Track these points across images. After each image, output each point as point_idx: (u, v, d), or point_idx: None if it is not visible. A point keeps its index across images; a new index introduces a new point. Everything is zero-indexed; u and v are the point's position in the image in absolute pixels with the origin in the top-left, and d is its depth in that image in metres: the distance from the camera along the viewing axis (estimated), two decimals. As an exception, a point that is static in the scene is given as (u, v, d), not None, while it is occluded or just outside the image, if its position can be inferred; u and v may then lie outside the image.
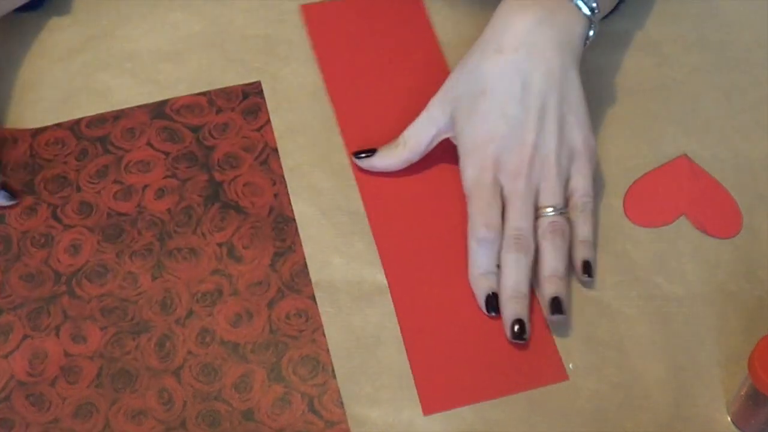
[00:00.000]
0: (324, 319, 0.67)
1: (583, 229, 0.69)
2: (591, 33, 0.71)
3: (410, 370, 0.65)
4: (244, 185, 0.72)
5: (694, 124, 0.77)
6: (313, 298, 0.68)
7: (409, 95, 0.75)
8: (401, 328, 0.67)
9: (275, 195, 0.71)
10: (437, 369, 0.65)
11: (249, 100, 0.76)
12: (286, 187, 0.72)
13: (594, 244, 0.70)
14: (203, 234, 0.70)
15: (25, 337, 0.66)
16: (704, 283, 0.69)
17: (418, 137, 0.71)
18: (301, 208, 0.72)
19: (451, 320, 0.67)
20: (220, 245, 0.69)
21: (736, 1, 0.84)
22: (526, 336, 0.66)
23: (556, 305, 0.66)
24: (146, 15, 0.83)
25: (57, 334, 0.66)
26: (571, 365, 0.66)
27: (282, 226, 0.70)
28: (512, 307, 0.66)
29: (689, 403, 0.65)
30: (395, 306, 0.68)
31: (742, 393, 0.61)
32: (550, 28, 0.69)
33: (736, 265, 0.70)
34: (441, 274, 0.69)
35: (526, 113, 0.68)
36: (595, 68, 0.79)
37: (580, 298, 0.68)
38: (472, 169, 0.69)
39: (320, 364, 0.65)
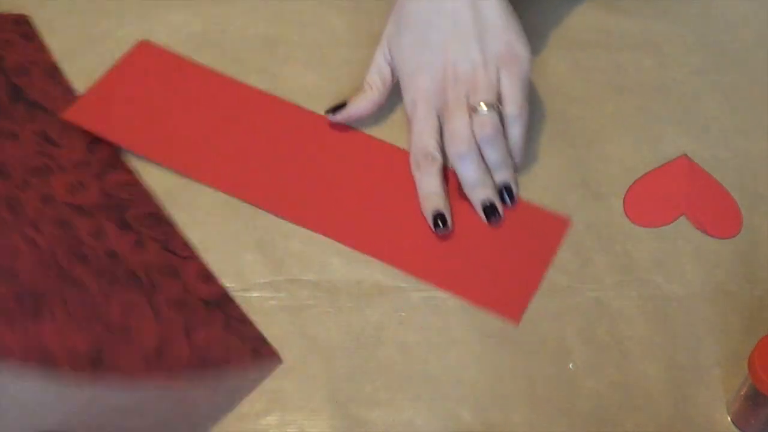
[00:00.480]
0: (325, 318, 0.67)
1: (513, 135, 0.72)
2: None
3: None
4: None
5: (694, 124, 0.77)
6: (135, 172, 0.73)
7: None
8: (429, 281, 0.69)
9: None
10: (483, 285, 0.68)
11: None
12: None
13: (521, 154, 0.73)
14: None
15: None
16: (704, 283, 0.69)
17: (381, 77, 0.76)
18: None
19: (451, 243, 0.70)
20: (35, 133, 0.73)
21: (736, 1, 0.84)
22: (498, 213, 0.71)
23: (510, 193, 0.72)
24: (146, 15, 0.83)
25: None
26: (571, 365, 0.66)
27: None
28: (477, 194, 0.71)
29: (689, 403, 0.65)
30: (402, 267, 0.70)
31: (742, 393, 0.61)
32: None
33: (736, 265, 0.70)
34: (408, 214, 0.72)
35: (443, 35, 0.72)
36: (596, 68, 0.79)
37: (580, 298, 0.69)
38: (407, 97, 0.74)
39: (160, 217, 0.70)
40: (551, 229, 0.71)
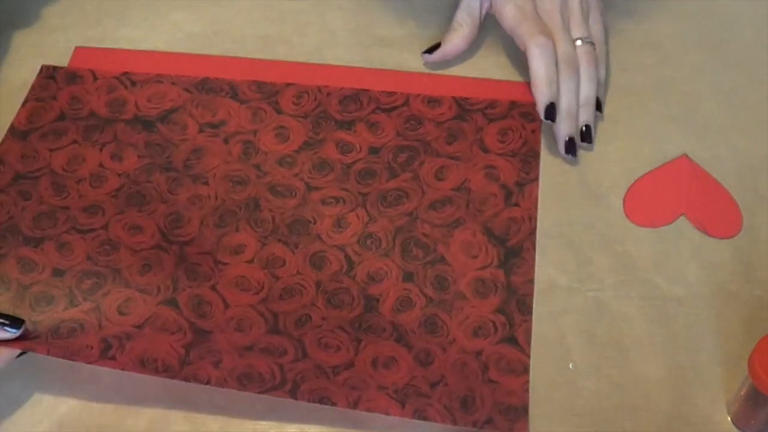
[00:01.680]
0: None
1: (600, 75, 0.76)
2: None
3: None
4: None
5: (694, 124, 0.77)
6: None
7: None
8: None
9: None
10: None
11: None
12: None
13: (605, 86, 0.77)
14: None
15: (74, 142, 0.75)
16: (704, 283, 0.69)
17: (469, 12, 0.79)
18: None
19: None
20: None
21: (736, 0, 0.84)
22: (576, 150, 0.74)
23: (587, 133, 0.75)
24: (147, 15, 0.83)
25: (101, 149, 0.74)
26: (571, 365, 0.66)
27: None
28: (565, 127, 0.74)
29: (689, 403, 0.64)
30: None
31: (742, 393, 0.61)
32: None
33: (736, 265, 0.70)
34: None
35: None
36: (595, 68, 0.79)
37: (580, 298, 0.69)
38: (511, 7, 0.76)
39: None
40: None
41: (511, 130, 0.75)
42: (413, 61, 0.80)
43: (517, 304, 0.67)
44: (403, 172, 0.73)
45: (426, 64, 0.80)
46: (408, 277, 0.68)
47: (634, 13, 0.82)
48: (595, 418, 0.64)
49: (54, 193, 0.72)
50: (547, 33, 0.75)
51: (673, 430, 0.64)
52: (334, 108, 0.77)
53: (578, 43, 0.75)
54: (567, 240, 0.71)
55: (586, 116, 0.75)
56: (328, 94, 0.77)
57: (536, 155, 0.74)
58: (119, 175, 0.73)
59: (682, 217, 0.72)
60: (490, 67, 0.80)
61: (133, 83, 0.78)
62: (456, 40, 0.79)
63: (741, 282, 0.69)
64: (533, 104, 0.75)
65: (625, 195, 0.73)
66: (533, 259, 0.69)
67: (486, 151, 0.74)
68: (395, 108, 0.77)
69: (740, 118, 0.77)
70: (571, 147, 0.74)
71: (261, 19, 0.82)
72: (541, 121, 0.75)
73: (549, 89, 0.74)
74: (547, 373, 0.65)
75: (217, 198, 0.72)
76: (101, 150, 0.74)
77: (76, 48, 0.81)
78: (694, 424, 0.64)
